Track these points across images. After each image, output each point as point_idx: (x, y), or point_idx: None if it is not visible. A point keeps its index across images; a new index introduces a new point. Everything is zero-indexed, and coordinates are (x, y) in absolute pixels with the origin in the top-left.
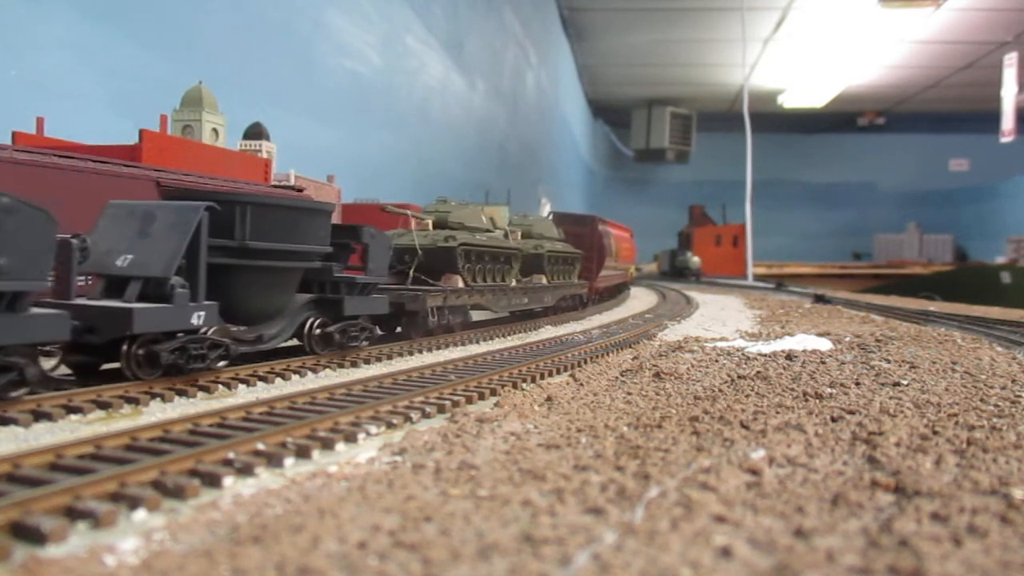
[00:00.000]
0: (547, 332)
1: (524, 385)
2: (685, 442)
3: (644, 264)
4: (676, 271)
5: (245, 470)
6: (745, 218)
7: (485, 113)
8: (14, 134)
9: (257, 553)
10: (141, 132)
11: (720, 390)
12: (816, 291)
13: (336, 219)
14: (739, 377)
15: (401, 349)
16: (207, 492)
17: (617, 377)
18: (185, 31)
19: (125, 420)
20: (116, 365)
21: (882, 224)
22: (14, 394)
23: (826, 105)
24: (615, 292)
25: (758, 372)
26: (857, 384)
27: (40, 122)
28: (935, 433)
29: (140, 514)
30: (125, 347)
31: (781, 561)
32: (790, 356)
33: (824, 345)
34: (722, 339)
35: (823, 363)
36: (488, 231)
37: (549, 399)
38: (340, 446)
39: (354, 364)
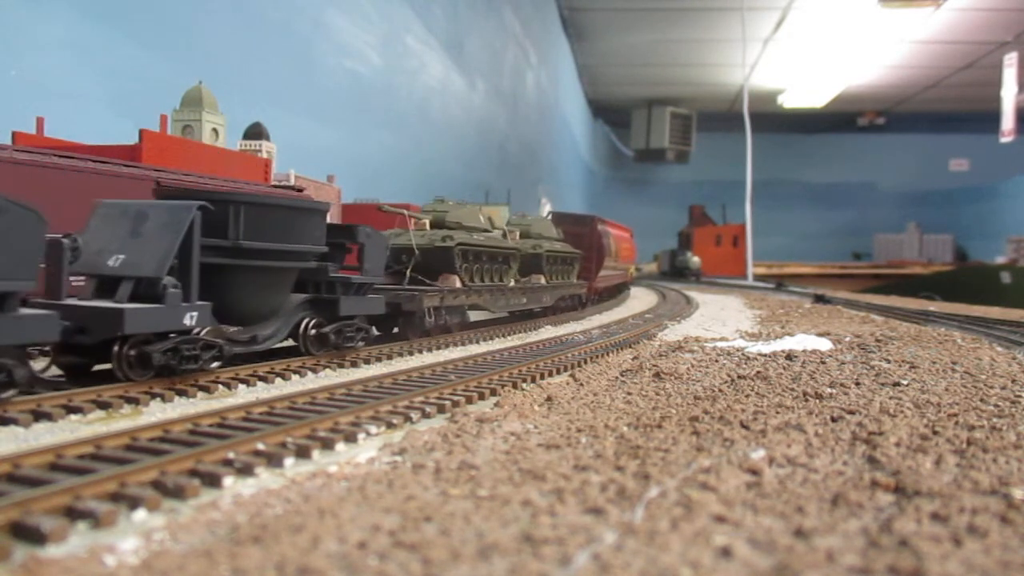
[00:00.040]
0: (547, 332)
1: (524, 385)
2: (685, 442)
3: (644, 264)
4: (676, 271)
5: (245, 470)
6: (745, 218)
7: (485, 113)
8: (14, 134)
9: (257, 553)
10: (141, 132)
11: (720, 390)
12: (816, 291)
13: (336, 219)
14: (739, 377)
15: (401, 349)
16: (207, 492)
17: (617, 377)
18: (185, 31)
19: (125, 420)
20: (108, 366)
21: (882, 224)
22: (2, 396)
23: (826, 105)
24: (615, 292)
25: (758, 372)
26: (857, 384)
27: (40, 122)
28: (935, 433)
29: (140, 514)
30: (116, 348)
31: (781, 561)
32: (790, 356)
33: (824, 345)
34: (722, 339)
35: (823, 363)
36: (486, 231)
37: (549, 399)
38: (340, 446)
39: (354, 364)
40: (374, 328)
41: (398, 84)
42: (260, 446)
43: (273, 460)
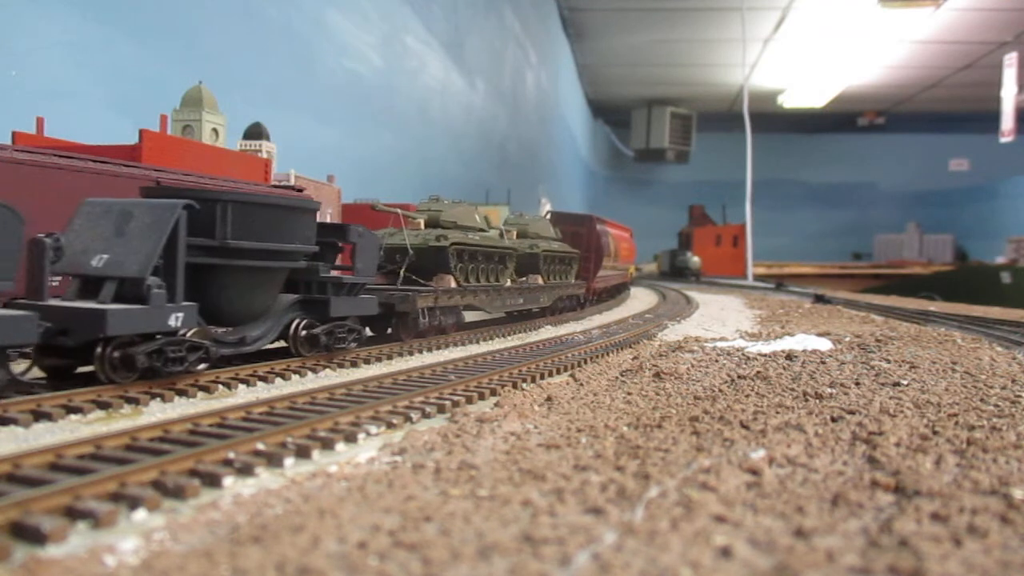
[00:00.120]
0: (547, 332)
1: (524, 385)
2: (685, 442)
3: (644, 264)
4: (676, 271)
5: (245, 470)
6: (745, 218)
7: (485, 113)
8: (14, 134)
9: (257, 553)
10: (141, 132)
11: (720, 390)
12: (816, 291)
13: (337, 219)
14: (739, 377)
15: (401, 349)
16: (207, 492)
17: (617, 377)
18: (185, 31)
19: (125, 420)
20: (92, 368)
21: (882, 224)
22: None
23: (826, 105)
24: (614, 292)
25: (758, 372)
26: (857, 384)
27: (40, 122)
28: (935, 433)
29: (140, 514)
30: (99, 350)
31: (781, 561)
32: (790, 356)
33: (824, 345)
34: (722, 339)
35: (823, 363)
36: (482, 230)
37: (549, 399)
38: (340, 446)
39: (354, 364)
40: (367, 329)
41: (398, 84)
42: (260, 446)
43: (273, 460)
